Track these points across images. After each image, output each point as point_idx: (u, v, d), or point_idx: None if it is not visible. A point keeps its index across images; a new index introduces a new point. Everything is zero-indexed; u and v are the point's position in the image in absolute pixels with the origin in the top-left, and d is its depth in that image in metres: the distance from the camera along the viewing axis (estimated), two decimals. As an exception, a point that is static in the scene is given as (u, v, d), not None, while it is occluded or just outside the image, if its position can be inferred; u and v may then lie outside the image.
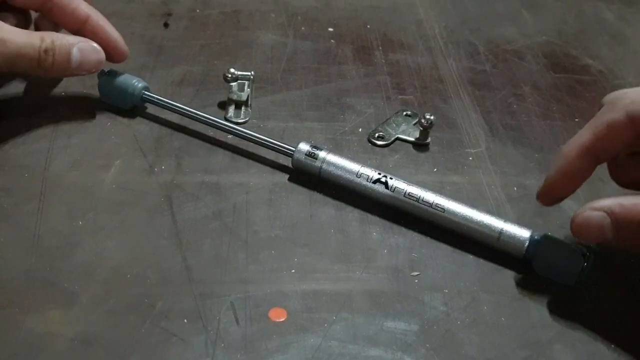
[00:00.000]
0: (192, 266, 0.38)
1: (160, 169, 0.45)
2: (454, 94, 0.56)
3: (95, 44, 0.46)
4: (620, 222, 0.36)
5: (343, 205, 0.44)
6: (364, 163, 0.44)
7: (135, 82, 0.49)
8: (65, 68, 0.45)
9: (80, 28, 0.48)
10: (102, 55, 0.47)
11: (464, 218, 0.41)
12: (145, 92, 0.49)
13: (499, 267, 0.41)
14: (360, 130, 0.51)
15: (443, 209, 0.41)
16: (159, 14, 0.62)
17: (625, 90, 0.39)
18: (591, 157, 0.39)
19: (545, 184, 0.40)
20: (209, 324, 0.35)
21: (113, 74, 0.49)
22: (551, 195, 0.41)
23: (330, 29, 0.63)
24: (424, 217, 0.42)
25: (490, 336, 0.37)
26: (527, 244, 0.40)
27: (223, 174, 0.45)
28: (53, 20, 0.49)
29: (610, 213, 0.37)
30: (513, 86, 0.57)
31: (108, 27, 0.49)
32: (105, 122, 0.48)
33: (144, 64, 0.55)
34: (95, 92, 0.50)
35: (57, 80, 0.51)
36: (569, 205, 0.45)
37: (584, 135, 0.39)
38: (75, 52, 0.45)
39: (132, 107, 0.49)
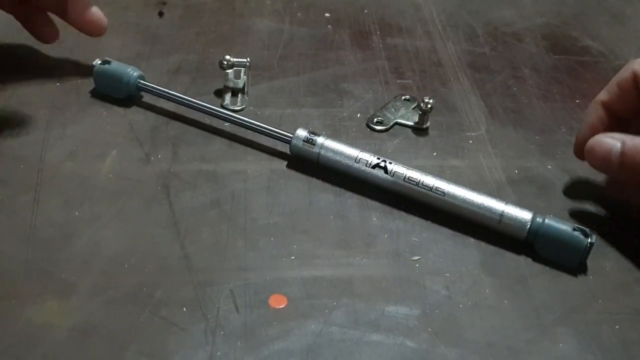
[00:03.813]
0: (191, 254, 0.38)
1: (157, 157, 0.44)
2: (453, 77, 0.55)
3: None
4: (629, 153, 0.38)
5: (342, 191, 0.43)
6: (363, 148, 0.44)
7: (130, 71, 0.48)
8: None
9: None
10: None
11: (465, 201, 0.41)
12: (141, 81, 0.48)
13: (501, 250, 0.40)
14: (358, 115, 0.50)
15: (443, 193, 0.41)
16: (154, 2, 0.61)
17: None
18: (608, 111, 0.43)
19: (576, 138, 0.44)
20: (209, 312, 0.35)
21: (108, 63, 0.48)
22: (581, 148, 0.42)
23: (327, 14, 0.62)
24: (424, 202, 0.42)
25: (493, 319, 0.36)
26: (528, 226, 0.39)
27: (220, 162, 0.45)
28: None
29: (622, 142, 0.39)
30: (513, 68, 0.57)
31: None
32: (101, 112, 0.48)
33: (139, 53, 0.54)
34: (90, 81, 0.49)
35: (52, 70, 0.51)
36: (571, 187, 0.45)
37: (601, 94, 0.43)
38: None
39: (127, 96, 0.49)
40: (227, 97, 0.50)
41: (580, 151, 0.43)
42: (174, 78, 0.52)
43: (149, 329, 0.34)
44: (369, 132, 0.49)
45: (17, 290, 0.35)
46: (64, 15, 0.49)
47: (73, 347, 0.33)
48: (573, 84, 0.56)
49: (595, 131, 0.42)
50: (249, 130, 0.46)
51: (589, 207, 0.44)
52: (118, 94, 0.48)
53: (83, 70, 0.51)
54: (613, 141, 0.39)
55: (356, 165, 0.43)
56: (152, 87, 0.48)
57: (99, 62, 0.49)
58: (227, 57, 0.50)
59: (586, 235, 0.38)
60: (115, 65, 0.48)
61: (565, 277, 0.39)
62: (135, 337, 0.34)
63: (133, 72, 0.48)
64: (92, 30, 0.50)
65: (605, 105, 0.43)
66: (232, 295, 0.36)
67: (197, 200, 0.42)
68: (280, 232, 0.40)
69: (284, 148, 0.45)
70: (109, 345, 0.33)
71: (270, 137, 0.45)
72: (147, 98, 0.49)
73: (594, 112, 0.43)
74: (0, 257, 0.37)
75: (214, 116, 0.47)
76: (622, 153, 0.39)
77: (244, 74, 0.51)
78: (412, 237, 0.41)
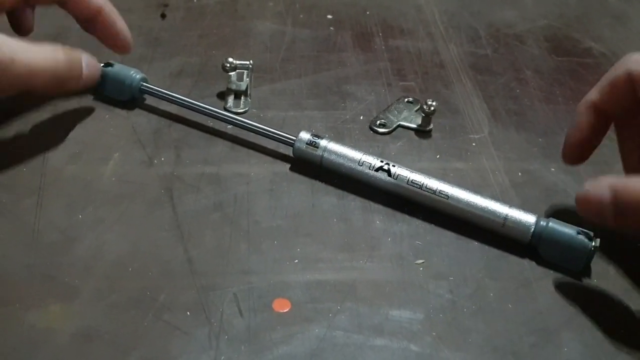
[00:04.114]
0: (194, 258, 0.38)
1: (160, 160, 0.44)
2: (455, 79, 0.55)
3: (94, 59, 0.46)
4: (621, 200, 0.35)
5: (345, 193, 0.43)
6: (366, 151, 0.43)
7: (133, 74, 0.48)
8: (77, 82, 0.44)
9: (92, 19, 0.47)
10: (100, 70, 0.46)
11: (468, 204, 0.41)
12: (143, 84, 0.48)
13: (505, 254, 0.40)
14: (361, 118, 0.50)
15: (447, 196, 0.41)
16: (156, 5, 0.61)
17: None
18: (599, 112, 0.40)
19: (565, 141, 0.42)
20: (212, 316, 0.35)
21: (111, 66, 0.48)
22: (572, 152, 0.41)
23: (329, 16, 0.62)
24: (428, 205, 0.42)
25: (497, 323, 0.36)
26: (532, 229, 0.39)
27: (223, 165, 0.45)
28: (66, 11, 0.47)
29: (612, 189, 0.35)
30: (515, 70, 0.57)
31: (119, 21, 0.48)
32: (104, 115, 0.48)
33: (141, 56, 0.54)
34: (92, 84, 0.49)
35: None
36: (575, 189, 0.45)
37: (591, 93, 0.41)
38: (84, 67, 0.44)
39: (130, 98, 0.48)
40: (230, 100, 0.50)
41: (570, 155, 0.41)
42: (177, 81, 0.52)
43: (152, 333, 0.34)
44: (371, 134, 0.49)
45: (20, 294, 0.35)
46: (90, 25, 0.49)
47: (76, 352, 0.33)
48: (575, 85, 0.55)
49: (585, 133, 0.40)
50: (252, 133, 0.46)
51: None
52: (121, 96, 0.48)
53: (85, 72, 0.51)
54: (601, 190, 0.36)
55: (359, 168, 0.43)
56: (155, 90, 0.48)
57: (102, 64, 0.48)
58: (230, 59, 0.49)
59: (590, 239, 0.38)
60: (119, 68, 0.48)
61: (569, 281, 0.39)
62: (138, 342, 0.34)
63: (136, 75, 0.48)
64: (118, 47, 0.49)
65: (596, 106, 0.40)
66: (236, 299, 0.36)
67: (200, 203, 0.41)
68: (283, 235, 0.40)
69: (287, 151, 0.45)
70: (112, 349, 0.33)
71: (273, 139, 0.45)
72: (149, 101, 0.49)
73: (584, 113, 0.41)
74: (3, 261, 0.37)
75: (217, 119, 0.47)
76: (615, 202, 0.35)
77: (247, 77, 0.51)
78: (416, 240, 0.40)
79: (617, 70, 0.39)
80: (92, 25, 0.48)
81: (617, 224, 0.36)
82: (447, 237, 0.41)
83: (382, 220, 0.42)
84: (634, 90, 0.39)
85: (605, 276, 0.39)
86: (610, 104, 0.40)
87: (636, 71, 0.38)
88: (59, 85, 0.43)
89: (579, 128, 0.41)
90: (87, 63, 0.44)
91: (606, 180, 0.36)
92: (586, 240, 0.38)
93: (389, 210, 0.42)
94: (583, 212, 0.37)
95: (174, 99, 0.47)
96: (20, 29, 0.48)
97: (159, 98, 0.48)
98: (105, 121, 0.47)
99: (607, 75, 0.40)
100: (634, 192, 0.35)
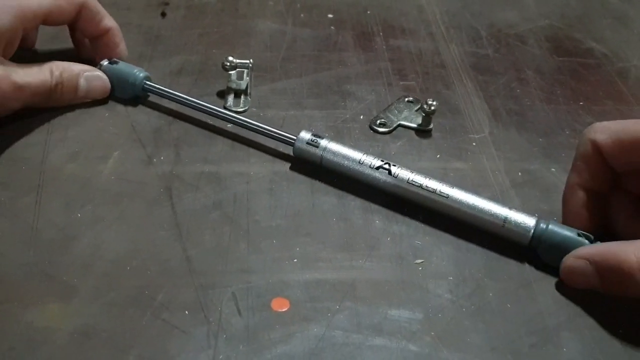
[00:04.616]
0: (193, 257, 0.38)
1: (159, 159, 0.44)
2: (456, 79, 0.55)
3: (100, 72, 0.48)
4: (603, 270, 0.36)
5: (345, 193, 0.43)
6: (366, 150, 0.43)
7: (136, 72, 0.48)
8: (73, 98, 0.47)
9: (98, 38, 0.50)
10: (108, 82, 0.48)
11: (469, 205, 0.40)
12: (147, 82, 0.48)
13: (504, 254, 0.40)
14: (361, 117, 0.50)
15: (447, 196, 0.41)
16: (156, 3, 0.61)
17: (604, 122, 0.39)
18: (584, 190, 0.40)
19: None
20: (211, 315, 0.35)
21: (116, 63, 0.48)
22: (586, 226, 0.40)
23: (330, 16, 0.62)
24: (428, 205, 0.42)
25: (497, 323, 0.36)
26: (532, 231, 0.39)
27: (223, 164, 0.44)
28: (77, 30, 0.50)
29: (592, 261, 0.36)
30: (516, 70, 0.57)
31: (122, 44, 0.50)
32: (103, 113, 0.48)
33: (141, 54, 0.54)
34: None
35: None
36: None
37: (572, 176, 0.40)
38: (82, 82, 0.47)
39: (133, 96, 0.48)
40: (230, 99, 0.50)
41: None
42: (177, 79, 0.52)
43: (151, 332, 0.34)
44: (372, 134, 0.49)
45: (18, 293, 0.35)
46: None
47: (74, 351, 0.33)
48: (576, 86, 0.55)
49: (580, 217, 0.40)
50: (252, 132, 0.46)
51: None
52: (124, 94, 0.48)
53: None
54: (581, 263, 0.37)
55: (360, 167, 0.43)
56: (159, 88, 0.48)
57: (107, 62, 0.48)
58: (230, 58, 0.49)
59: (591, 241, 0.38)
60: (123, 66, 0.48)
61: (569, 281, 0.39)
62: (136, 341, 0.34)
63: (140, 73, 0.48)
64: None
65: (579, 186, 0.40)
66: (235, 298, 0.36)
67: (200, 202, 0.41)
68: (282, 235, 0.40)
69: (287, 150, 0.45)
70: (110, 348, 0.33)
71: (274, 139, 0.45)
72: (149, 99, 0.49)
73: (572, 197, 0.40)
74: (1, 260, 0.37)
75: (220, 118, 0.46)
76: (598, 273, 0.36)
77: (247, 76, 0.51)
78: (415, 240, 0.40)
79: (583, 144, 0.39)
80: (95, 43, 0.50)
81: (607, 290, 0.37)
82: (446, 238, 0.41)
83: (381, 220, 0.41)
84: (604, 159, 0.39)
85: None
86: (590, 180, 0.40)
87: (601, 140, 0.38)
88: (54, 102, 0.46)
89: (572, 213, 0.40)
90: (87, 78, 0.47)
91: (583, 253, 0.37)
92: (586, 242, 0.38)
93: (389, 211, 0.42)
94: (571, 285, 0.38)
95: (177, 97, 0.47)
96: (25, 44, 0.50)
97: (163, 97, 0.48)
98: (105, 120, 0.47)
99: (576, 152, 0.40)
100: (612, 259, 0.35)
